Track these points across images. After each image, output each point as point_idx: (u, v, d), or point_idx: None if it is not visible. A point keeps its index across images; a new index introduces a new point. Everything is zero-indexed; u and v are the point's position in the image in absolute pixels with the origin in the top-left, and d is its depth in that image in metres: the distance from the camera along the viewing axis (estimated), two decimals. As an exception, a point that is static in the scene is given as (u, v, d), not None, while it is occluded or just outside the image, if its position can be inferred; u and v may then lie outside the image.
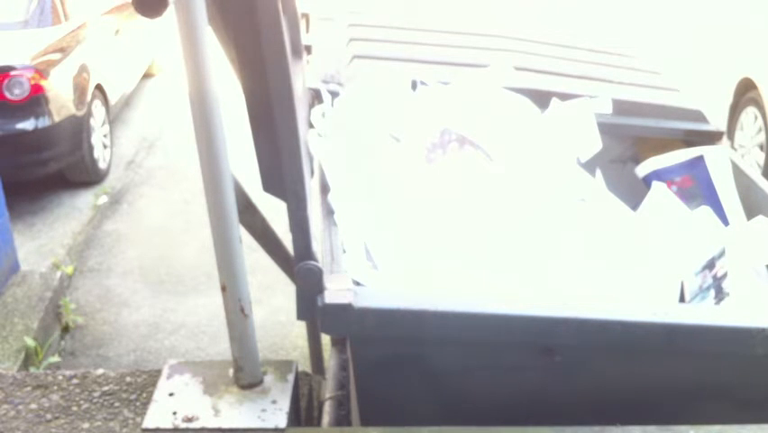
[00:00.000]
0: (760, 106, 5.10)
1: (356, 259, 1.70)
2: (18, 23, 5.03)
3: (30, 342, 2.97)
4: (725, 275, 1.75)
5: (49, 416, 1.88)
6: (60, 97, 4.73)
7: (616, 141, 2.47)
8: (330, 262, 1.66)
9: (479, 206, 1.88)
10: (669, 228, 1.99)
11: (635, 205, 2.12)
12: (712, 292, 1.75)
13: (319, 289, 1.54)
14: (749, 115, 5.28)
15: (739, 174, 2.24)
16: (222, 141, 1.45)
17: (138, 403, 1.90)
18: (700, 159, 2.22)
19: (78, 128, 4.92)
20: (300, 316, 1.61)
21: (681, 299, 1.85)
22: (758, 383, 1.58)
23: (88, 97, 5.13)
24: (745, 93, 5.34)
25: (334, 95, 2.38)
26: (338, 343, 2.43)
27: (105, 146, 5.44)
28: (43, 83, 4.55)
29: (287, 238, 1.73)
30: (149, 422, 1.64)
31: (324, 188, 1.93)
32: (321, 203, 1.90)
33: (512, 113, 2.22)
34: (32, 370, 2.95)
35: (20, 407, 1.91)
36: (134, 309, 3.78)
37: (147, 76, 7.33)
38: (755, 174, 2.24)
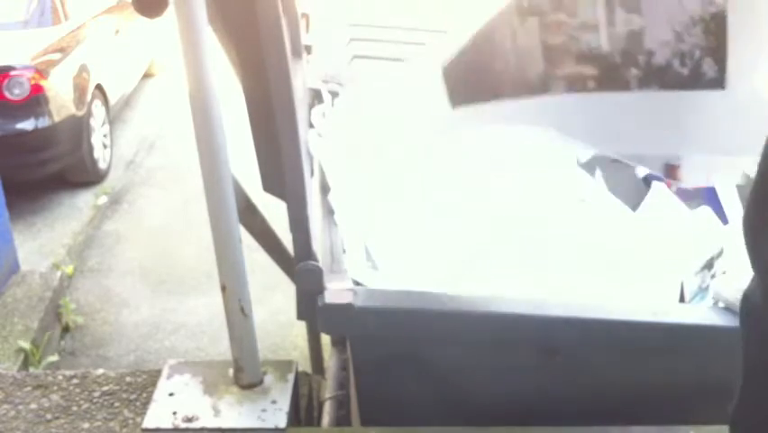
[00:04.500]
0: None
1: (356, 259, 1.70)
2: (18, 23, 5.03)
3: (25, 345, 2.96)
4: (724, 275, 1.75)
5: (49, 416, 1.88)
6: (60, 97, 4.73)
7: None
8: (330, 262, 1.66)
9: (479, 206, 1.88)
10: (669, 228, 1.99)
11: (635, 205, 2.12)
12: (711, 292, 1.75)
13: (319, 289, 1.54)
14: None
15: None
16: (222, 141, 1.45)
17: (138, 403, 1.90)
18: (700, 158, 2.22)
19: (78, 128, 4.92)
20: (300, 316, 1.61)
21: (681, 299, 1.85)
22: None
23: (88, 97, 5.12)
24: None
25: (334, 95, 2.38)
26: (338, 343, 2.43)
27: (105, 146, 5.44)
28: (43, 83, 4.55)
29: (287, 238, 1.73)
30: (149, 422, 1.64)
31: (324, 188, 1.93)
32: (321, 203, 1.90)
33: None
34: (32, 370, 2.94)
35: (20, 407, 1.91)
36: (134, 309, 3.78)
37: (147, 76, 7.33)
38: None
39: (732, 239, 1.85)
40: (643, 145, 1.61)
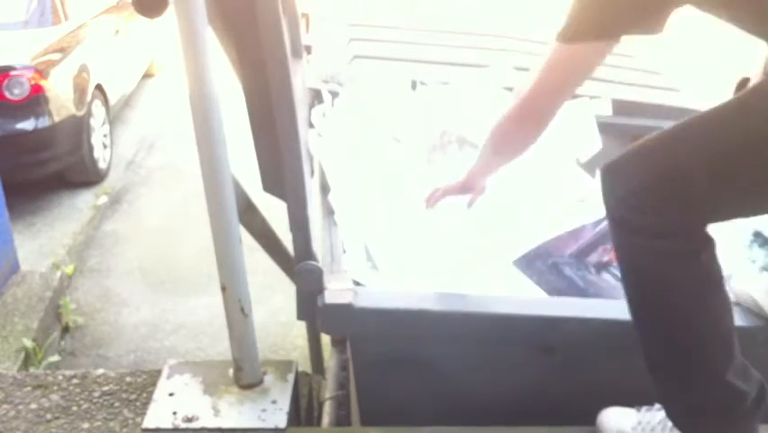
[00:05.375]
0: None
1: (356, 259, 1.70)
2: (18, 23, 5.02)
3: (28, 343, 2.96)
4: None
5: (49, 416, 1.88)
6: (60, 97, 4.72)
7: (616, 141, 2.47)
8: (330, 262, 1.66)
9: (478, 206, 1.88)
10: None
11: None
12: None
13: (319, 289, 1.54)
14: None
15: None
16: (222, 141, 1.45)
17: (138, 403, 1.90)
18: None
19: (78, 128, 4.91)
20: (300, 316, 1.61)
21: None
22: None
23: (88, 97, 5.12)
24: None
25: (334, 95, 2.38)
26: (338, 343, 2.43)
27: (105, 146, 5.43)
28: (43, 83, 4.54)
29: (287, 238, 1.73)
30: (149, 422, 1.64)
31: (324, 188, 1.93)
32: (321, 203, 1.90)
33: None
34: (32, 370, 2.94)
35: (20, 407, 1.91)
36: (134, 309, 3.77)
37: (147, 76, 7.32)
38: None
39: (733, 238, 1.85)
40: None
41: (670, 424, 1.47)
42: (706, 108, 1.32)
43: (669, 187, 1.25)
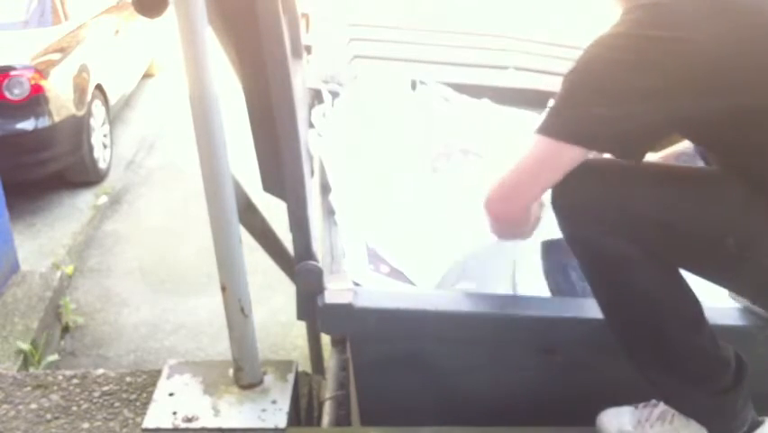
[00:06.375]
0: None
1: (356, 260, 1.70)
2: (18, 23, 5.03)
3: (24, 346, 2.96)
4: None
5: (49, 416, 1.88)
6: (60, 97, 4.72)
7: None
8: (330, 262, 1.66)
9: (480, 210, 1.88)
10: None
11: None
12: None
13: (319, 289, 1.54)
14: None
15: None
16: (222, 141, 1.45)
17: (138, 403, 1.90)
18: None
19: (78, 128, 4.91)
20: (300, 316, 1.61)
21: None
22: (760, 383, 1.59)
23: (88, 97, 5.12)
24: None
25: (334, 95, 2.38)
26: (338, 343, 2.44)
27: (105, 146, 5.43)
28: (43, 83, 4.54)
29: (287, 238, 1.73)
30: (149, 422, 1.64)
31: (325, 188, 1.93)
32: (321, 203, 1.90)
33: (512, 129, 2.23)
34: (32, 370, 2.94)
35: (20, 407, 1.91)
36: (134, 309, 3.77)
37: (147, 76, 7.32)
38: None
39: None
40: None
41: (669, 415, 1.50)
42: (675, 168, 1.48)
43: (613, 219, 1.34)
